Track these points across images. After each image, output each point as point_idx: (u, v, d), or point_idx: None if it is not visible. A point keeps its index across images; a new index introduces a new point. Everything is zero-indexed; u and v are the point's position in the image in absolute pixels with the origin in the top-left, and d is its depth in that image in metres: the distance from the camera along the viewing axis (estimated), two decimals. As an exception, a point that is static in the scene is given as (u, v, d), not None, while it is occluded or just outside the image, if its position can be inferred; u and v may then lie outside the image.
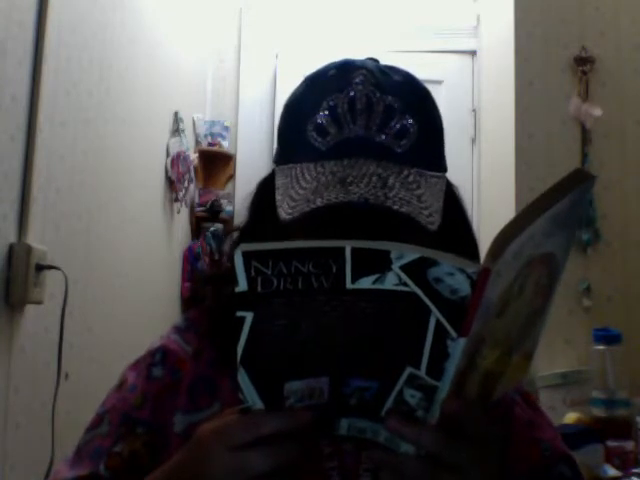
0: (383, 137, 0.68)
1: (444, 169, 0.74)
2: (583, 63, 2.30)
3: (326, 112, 0.69)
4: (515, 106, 2.32)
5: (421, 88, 0.74)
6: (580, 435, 1.65)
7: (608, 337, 1.95)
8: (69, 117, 1.59)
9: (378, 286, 0.53)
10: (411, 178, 0.67)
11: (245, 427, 0.55)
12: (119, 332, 1.97)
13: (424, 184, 0.68)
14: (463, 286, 0.51)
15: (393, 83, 0.71)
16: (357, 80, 0.70)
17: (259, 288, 0.52)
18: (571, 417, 1.89)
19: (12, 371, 1.32)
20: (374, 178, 0.65)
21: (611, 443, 1.74)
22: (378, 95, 0.69)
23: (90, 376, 1.70)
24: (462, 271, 0.51)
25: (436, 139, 0.74)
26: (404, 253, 0.52)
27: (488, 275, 0.50)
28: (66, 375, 1.50)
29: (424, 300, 0.53)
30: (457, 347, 0.52)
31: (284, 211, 0.66)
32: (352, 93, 0.69)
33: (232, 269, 0.52)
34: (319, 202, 0.64)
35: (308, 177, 0.67)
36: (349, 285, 0.53)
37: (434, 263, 0.52)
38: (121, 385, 0.77)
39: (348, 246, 0.52)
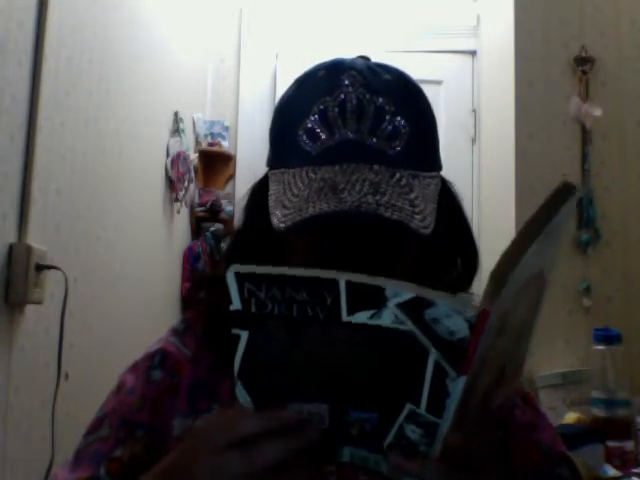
0: (374, 140, 0.67)
1: (438, 167, 0.73)
2: (583, 63, 2.30)
3: (316, 116, 0.68)
4: (515, 106, 2.32)
5: (412, 86, 0.73)
6: (580, 435, 1.65)
7: (608, 337, 1.94)
8: (69, 117, 1.59)
9: (375, 322, 0.51)
10: (404, 181, 0.66)
11: (227, 427, 0.55)
12: (119, 332, 1.97)
13: (417, 186, 0.67)
14: (461, 328, 0.50)
15: (383, 83, 0.70)
16: (347, 82, 0.69)
17: (253, 309, 0.52)
18: (571, 417, 1.89)
19: (12, 371, 1.32)
20: (366, 184, 0.64)
21: (611, 443, 1.74)
22: (368, 97, 0.68)
23: (90, 376, 1.70)
24: (460, 312, 0.50)
25: (429, 138, 0.73)
26: (400, 291, 0.51)
27: (487, 317, 0.49)
28: (66, 375, 1.50)
29: (422, 341, 0.51)
30: (457, 386, 0.51)
31: (277, 219, 0.65)
32: (342, 96, 0.68)
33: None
34: (311, 211, 0.63)
35: (300, 184, 0.67)
36: (345, 318, 0.52)
37: (431, 303, 0.50)
38: (119, 389, 0.77)
39: (342, 279, 0.51)
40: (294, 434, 0.54)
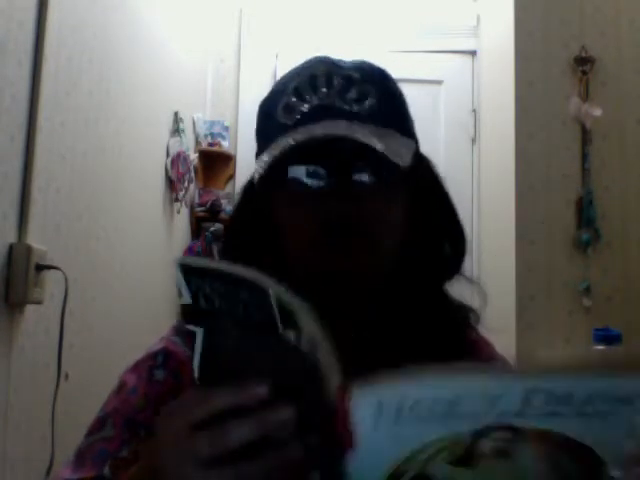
0: (344, 103, 0.70)
1: (413, 137, 0.75)
2: (583, 63, 2.30)
3: (291, 93, 0.72)
4: (515, 106, 2.32)
5: (377, 67, 0.77)
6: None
7: (608, 337, 1.95)
8: (69, 117, 1.59)
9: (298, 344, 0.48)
10: (376, 132, 0.68)
11: (191, 408, 0.50)
12: (119, 332, 1.97)
13: (390, 136, 0.70)
14: None
15: (350, 63, 0.75)
16: (316, 63, 0.74)
17: (202, 304, 0.50)
18: (571, 417, 1.89)
19: (12, 371, 1.32)
20: (338, 126, 0.68)
21: (611, 443, 1.74)
22: (336, 69, 0.72)
23: (90, 376, 1.70)
24: None
25: (398, 106, 0.76)
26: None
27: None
28: (66, 375, 1.50)
29: None
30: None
31: (257, 173, 0.69)
32: (312, 71, 0.73)
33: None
34: (282, 148, 0.66)
35: (276, 147, 0.70)
36: (280, 330, 0.48)
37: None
38: (120, 389, 0.76)
39: (271, 290, 0.47)
40: (266, 410, 0.49)
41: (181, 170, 2.62)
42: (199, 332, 0.51)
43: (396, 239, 0.73)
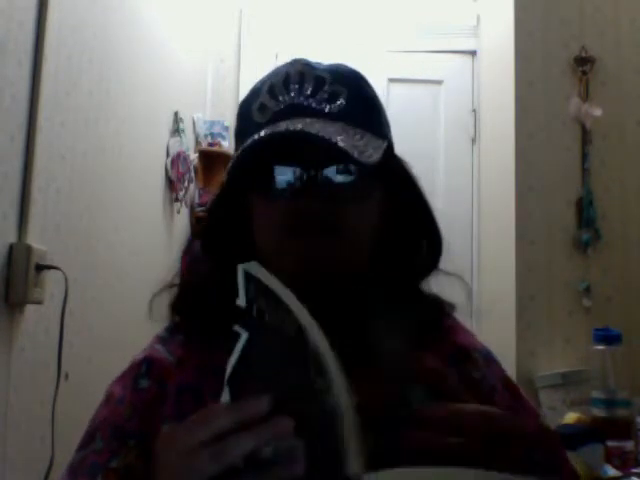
0: (315, 102, 0.72)
1: (385, 138, 0.75)
2: (583, 63, 2.30)
3: (266, 93, 0.74)
4: (515, 106, 2.32)
5: (353, 70, 0.78)
6: (580, 435, 1.65)
7: (608, 337, 1.94)
8: (69, 117, 1.59)
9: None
10: (343, 130, 0.69)
11: (196, 427, 0.52)
12: (119, 332, 1.97)
13: (358, 135, 0.70)
14: None
15: (323, 65, 0.76)
16: (292, 63, 0.76)
17: (254, 312, 0.52)
18: (571, 417, 1.89)
19: (12, 371, 1.32)
20: (307, 122, 0.69)
21: (611, 443, 1.74)
22: (308, 70, 0.74)
23: (90, 376, 1.70)
24: None
25: (370, 106, 0.76)
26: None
27: None
28: (66, 375, 1.50)
29: None
30: None
31: (226, 171, 0.70)
32: (286, 72, 0.74)
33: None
34: (250, 142, 0.68)
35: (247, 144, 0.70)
36: (312, 375, 0.50)
37: None
38: (108, 400, 0.77)
39: (309, 334, 0.49)
40: (266, 423, 0.50)
41: (181, 170, 2.62)
42: (244, 336, 0.52)
43: (368, 237, 0.73)
